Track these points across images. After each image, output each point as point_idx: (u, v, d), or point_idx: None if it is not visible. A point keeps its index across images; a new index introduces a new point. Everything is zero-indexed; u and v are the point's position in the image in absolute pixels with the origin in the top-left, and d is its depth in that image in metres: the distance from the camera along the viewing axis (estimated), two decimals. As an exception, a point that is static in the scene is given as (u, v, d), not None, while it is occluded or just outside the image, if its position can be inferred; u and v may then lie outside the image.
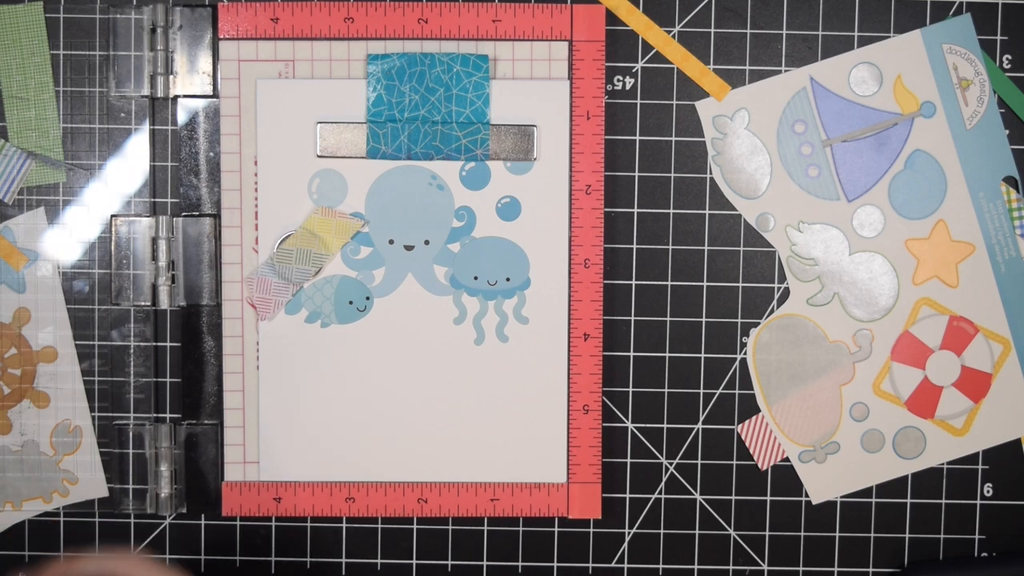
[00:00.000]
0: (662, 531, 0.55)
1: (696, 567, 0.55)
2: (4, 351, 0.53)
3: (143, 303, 0.53)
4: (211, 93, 0.53)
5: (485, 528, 0.55)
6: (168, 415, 0.54)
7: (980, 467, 0.55)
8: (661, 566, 0.55)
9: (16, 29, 0.52)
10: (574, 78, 0.53)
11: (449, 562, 0.55)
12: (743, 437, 0.54)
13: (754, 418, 0.54)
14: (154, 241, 0.53)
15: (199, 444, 0.54)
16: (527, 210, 0.53)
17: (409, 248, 0.53)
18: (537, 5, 0.52)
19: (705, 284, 0.54)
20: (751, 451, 0.54)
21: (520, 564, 0.55)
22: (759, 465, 0.54)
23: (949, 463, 0.55)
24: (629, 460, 0.54)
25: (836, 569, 0.55)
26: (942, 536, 0.55)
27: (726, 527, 0.55)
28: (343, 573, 0.55)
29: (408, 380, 0.53)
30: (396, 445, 0.54)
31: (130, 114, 0.53)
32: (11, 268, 0.53)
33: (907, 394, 0.54)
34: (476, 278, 0.53)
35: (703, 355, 0.54)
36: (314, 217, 0.53)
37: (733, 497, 0.55)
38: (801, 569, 0.55)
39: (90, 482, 0.54)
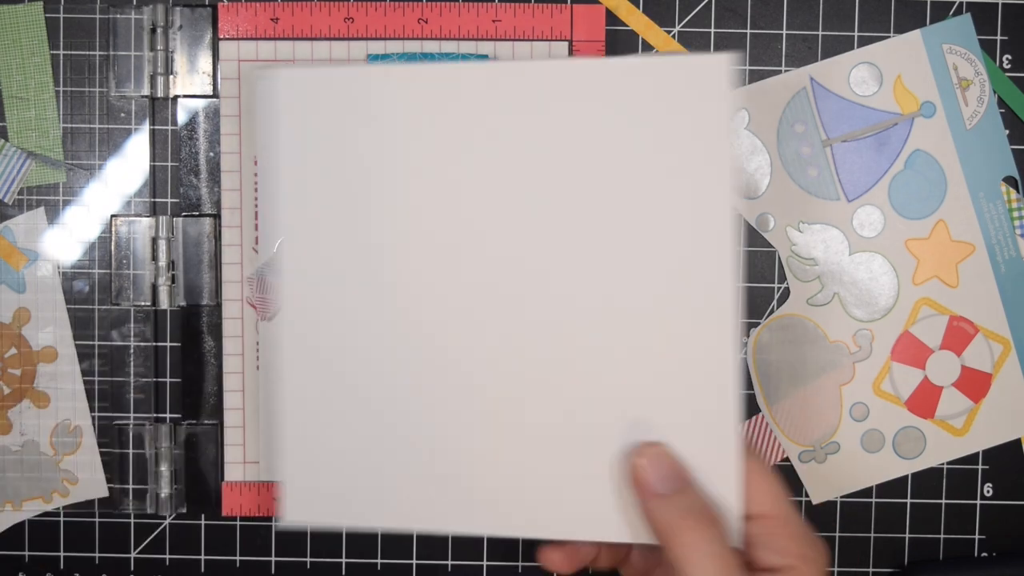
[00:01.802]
0: (662, 531, 0.55)
1: (696, 567, 0.55)
2: (4, 351, 0.53)
3: (143, 303, 0.53)
4: (211, 93, 0.53)
5: (485, 528, 0.55)
6: (168, 415, 0.54)
7: (980, 467, 0.55)
8: (661, 566, 0.55)
9: (16, 29, 0.52)
10: (574, 78, 0.52)
11: (449, 562, 0.55)
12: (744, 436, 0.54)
13: (754, 418, 0.54)
14: (154, 241, 0.53)
15: (199, 444, 0.54)
16: (527, 210, 0.53)
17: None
18: (537, 5, 0.52)
19: (705, 284, 0.54)
20: (751, 451, 0.54)
21: (520, 564, 0.55)
22: (759, 465, 0.54)
23: (949, 463, 0.55)
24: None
25: (836, 569, 0.55)
26: (942, 536, 0.55)
27: (726, 527, 0.55)
28: (343, 573, 0.55)
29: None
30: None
31: (130, 114, 0.53)
32: (11, 268, 0.53)
33: (907, 394, 0.54)
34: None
35: (703, 355, 0.54)
36: (314, 217, 0.53)
37: (733, 497, 0.55)
38: (801, 569, 0.55)
39: (90, 482, 0.54)
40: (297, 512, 0.46)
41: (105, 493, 0.54)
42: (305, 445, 0.45)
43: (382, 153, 0.45)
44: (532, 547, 0.55)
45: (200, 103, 0.53)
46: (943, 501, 0.55)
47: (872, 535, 0.55)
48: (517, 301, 0.44)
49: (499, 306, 0.45)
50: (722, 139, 0.42)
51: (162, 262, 0.53)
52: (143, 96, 0.53)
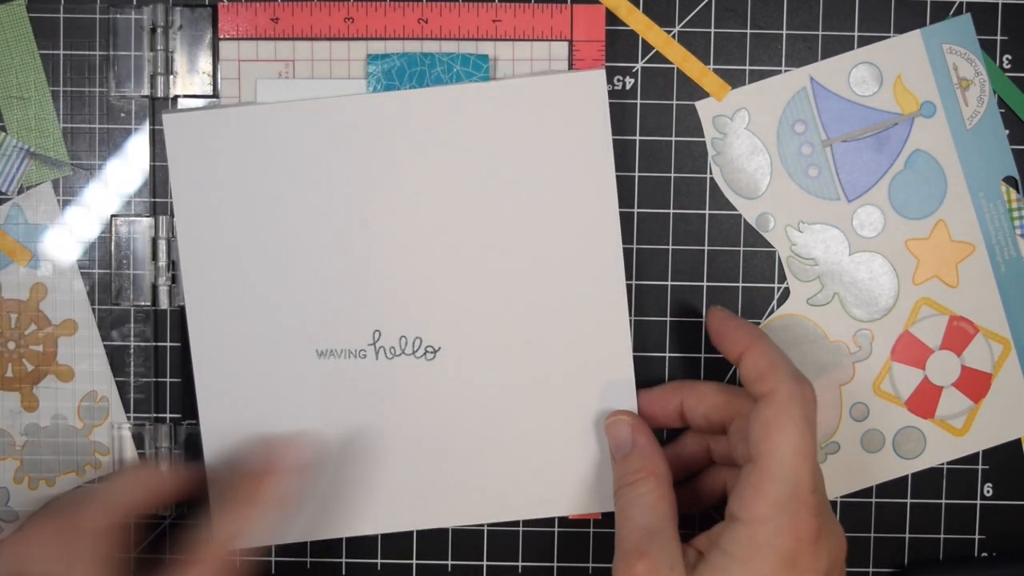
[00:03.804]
0: (662, 531, 0.55)
1: (696, 567, 0.55)
2: (24, 328, 0.53)
3: (143, 303, 0.53)
4: (211, 93, 0.53)
5: (485, 528, 0.55)
6: (168, 415, 0.54)
7: (980, 467, 0.55)
8: (661, 566, 0.55)
9: (2, 30, 0.52)
10: (574, 78, 0.53)
11: (449, 562, 0.55)
12: (743, 437, 0.54)
13: (754, 418, 0.54)
14: (154, 241, 0.53)
15: (199, 444, 0.54)
16: (527, 210, 0.53)
17: (409, 248, 0.53)
18: (537, 5, 0.52)
19: (705, 284, 0.54)
20: (751, 451, 0.54)
21: (520, 564, 0.55)
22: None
23: (949, 463, 0.55)
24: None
25: (836, 569, 0.55)
26: (942, 536, 0.55)
27: (726, 527, 0.55)
28: (343, 573, 0.55)
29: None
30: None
31: (130, 114, 0.53)
32: (16, 265, 0.53)
33: (907, 394, 0.54)
34: (476, 278, 0.53)
35: (703, 355, 0.54)
36: (314, 217, 0.53)
37: (733, 497, 0.55)
38: (801, 569, 0.55)
39: (121, 452, 0.54)
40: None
41: (137, 461, 0.54)
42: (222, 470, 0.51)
43: (274, 187, 0.51)
44: (532, 547, 0.55)
45: (200, 103, 0.53)
46: (943, 501, 0.55)
47: (872, 535, 0.55)
48: (424, 310, 0.51)
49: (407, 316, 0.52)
50: (604, 148, 0.50)
51: (162, 262, 0.53)
52: (143, 96, 0.53)
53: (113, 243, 0.53)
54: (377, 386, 0.51)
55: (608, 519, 0.55)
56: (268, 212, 0.51)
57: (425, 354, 0.52)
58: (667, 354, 0.54)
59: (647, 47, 0.53)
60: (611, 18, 0.53)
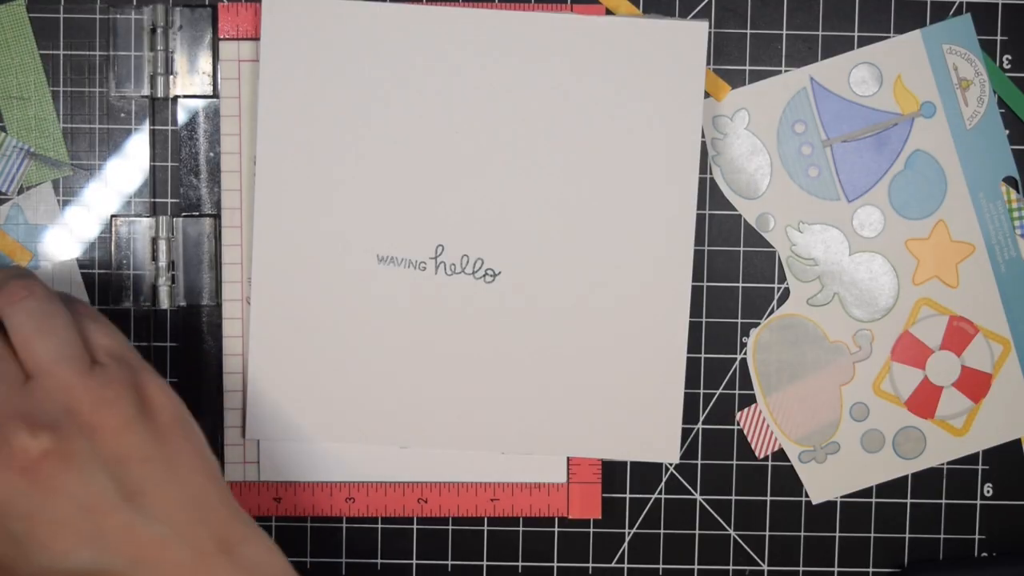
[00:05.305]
0: (662, 531, 0.55)
1: (696, 567, 0.55)
2: None
3: (143, 303, 0.53)
4: (211, 93, 0.53)
5: (485, 528, 0.55)
6: (168, 415, 0.54)
7: (980, 467, 0.55)
8: (661, 566, 0.55)
9: (2, 31, 0.52)
10: (574, 78, 0.53)
11: (449, 562, 0.55)
12: (742, 425, 0.54)
13: (753, 406, 0.54)
14: (154, 241, 0.53)
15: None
16: (527, 210, 0.53)
17: (409, 248, 0.53)
18: (537, 4, 0.52)
19: (705, 284, 0.54)
20: (749, 439, 0.54)
21: (520, 564, 0.55)
22: (756, 453, 0.54)
23: (949, 463, 0.55)
24: (629, 460, 0.54)
25: (836, 569, 0.55)
26: (942, 536, 0.55)
27: (726, 527, 0.55)
28: (343, 573, 0.55)
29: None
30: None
31: (130, 114, 0.53)
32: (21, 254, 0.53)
33: (907, 394, 0.54)
34: (476, 278, 0.53)
35: (703, 355, 0.54)
36: (314, 217, 0.53)
37: (733, 497, 0.55)
38: (801, 569, 0.55)
39: None
40: (257, 431, 0.53)
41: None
42: (267, 370, 0.52)
43: (363, 88, 0.51)
44: (532, 547, 0.55)
45: (200, 103, 0.53)
46: (943, 501, 0.55)
47: (872, 535, 0.55)
48: (485, 249, 0.51)
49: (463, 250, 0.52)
50: (695, 99, 0.51)
51: (162, 262, 0.53)
52: (143, 96, 0.53)
53: (113, 243, 0.53)
54: (433, 301, 0.51)
55: (608, 519, 0.55)
56: (351, 109, 0.51)
57: (485, 276, 0.51)
58: (667, 354, 0.54)
59: (647, 47, 0.53)
60: (611, 18, 0.53)
